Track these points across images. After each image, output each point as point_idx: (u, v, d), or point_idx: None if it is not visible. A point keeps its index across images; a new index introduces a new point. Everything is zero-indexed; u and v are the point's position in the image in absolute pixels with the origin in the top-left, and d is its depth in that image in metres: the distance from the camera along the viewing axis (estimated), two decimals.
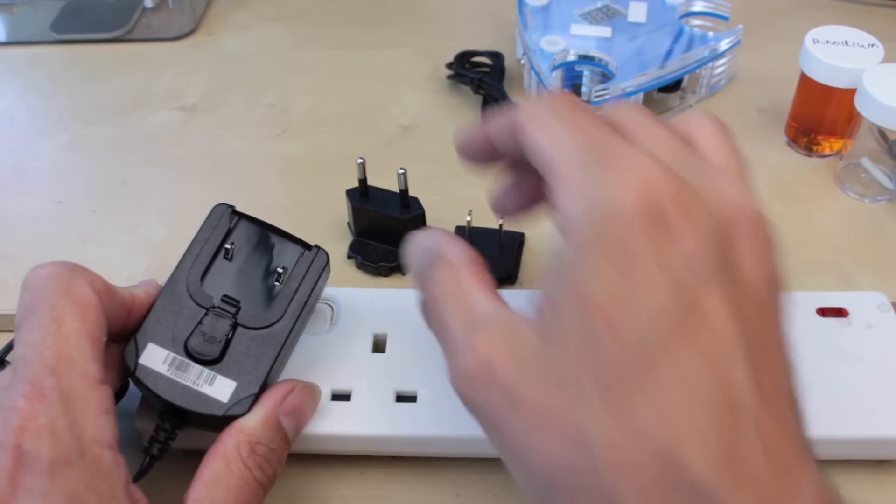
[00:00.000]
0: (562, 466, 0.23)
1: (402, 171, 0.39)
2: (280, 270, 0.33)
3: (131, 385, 0.32)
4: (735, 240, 0.24)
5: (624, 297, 0.22)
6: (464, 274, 0.27)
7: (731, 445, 0.22)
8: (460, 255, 0.27)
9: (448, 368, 0.25)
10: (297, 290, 0.33)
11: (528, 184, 0.30)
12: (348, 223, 0.44)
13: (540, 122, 0.25)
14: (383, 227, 0.42)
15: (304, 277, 0.33)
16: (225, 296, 0.32)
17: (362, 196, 0.42)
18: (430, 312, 0.27)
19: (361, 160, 0.40)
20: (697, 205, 0.23)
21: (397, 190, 0.41)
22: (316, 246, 0.34)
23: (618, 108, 0.27)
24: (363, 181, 0.41)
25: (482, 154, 0.29)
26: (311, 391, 0.33)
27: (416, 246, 0.29)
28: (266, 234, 0.34)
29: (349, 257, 0.43)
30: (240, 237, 0.33)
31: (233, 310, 0.32)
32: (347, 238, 0.44)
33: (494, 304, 0.25)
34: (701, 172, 0.24)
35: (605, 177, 0.23)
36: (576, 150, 0.24)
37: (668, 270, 0.22)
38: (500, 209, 0.31)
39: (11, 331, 0.39)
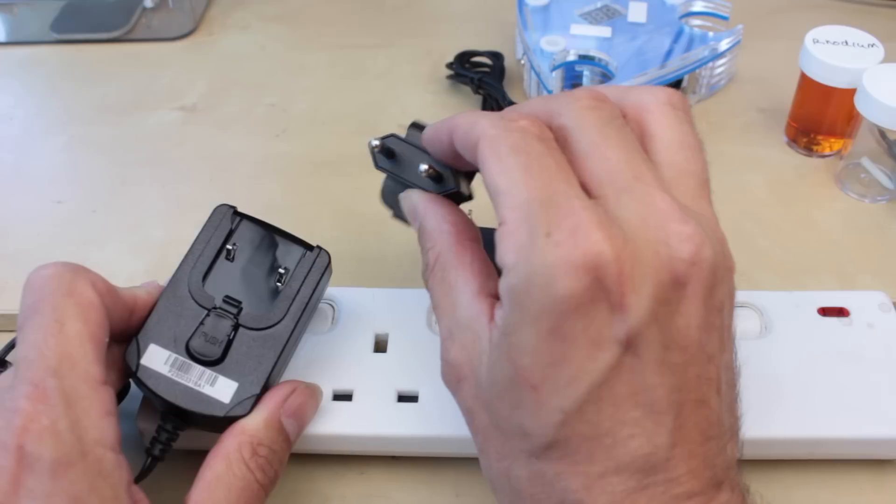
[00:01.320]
0: (497, 483, 0.27)
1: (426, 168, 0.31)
2: (282, 271, 0.33)
3: (132, 386, 0.32)
4: (678, 298, 0.24)
5: (549, 370, 0.24)
6: (448, 263, 0.28)
7: None
8: (444, 239, 0.29)
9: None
10: (298, 290, 0.33)
11: None
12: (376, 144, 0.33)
13: (497, 156, 0.25)
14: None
15: (305, 278, 0.33)
16: (226, 296, 0.32)
17: (388, 157, 0.32)
18: (432, 302, 0.29)
19: (377, 143, 0.32)
20: (640, 277, 0.23)
21: None
22: (318, 247, 0.34)
23: (571, 107, 0.26)
24: (390, 146, 0.32)
25: (448, 156, 0.29)
26: (313, 392, 0.33)
27: (410, 210, 0.31)
28: (268, 235, 0.34)
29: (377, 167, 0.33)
30: (241, 238, 0.33)
31: (234, 310, 0.32)
32: (348, 238, 0.44)
33: (471, 306, 0.27)
34: (651, 214, 0.24)
35: (549, 252, 0.23)
36: (526, 205, 0.24)
37: (598, 344, 0.23)
38: None
39: (11, 331, 0.40)
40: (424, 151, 0.31)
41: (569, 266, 0.22)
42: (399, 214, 0.33)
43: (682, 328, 0.24)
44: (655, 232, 0.23)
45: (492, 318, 0.26)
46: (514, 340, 0.24)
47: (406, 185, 0.32)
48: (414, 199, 0.31)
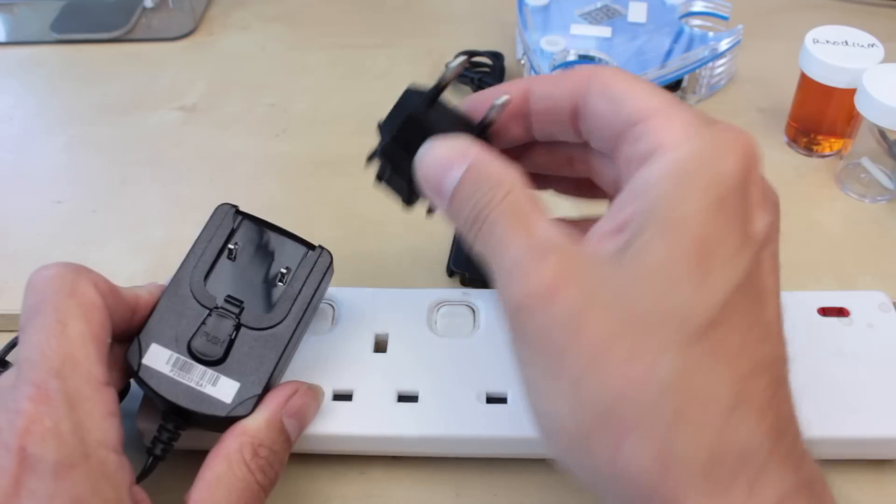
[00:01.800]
0: (625, 394, 0.22)
1: (506, 98, 0.28)
2: (283, 271, 0.33)
3: (132, 385, 0.32)
4: (776, 218, 0.26)
5: (716, 241, 0.23)
6: (522, 197, 0.25)
7: (780, 418, 0.23)
8: (515, 177, 0.26)
9: (503, 290, 0.24)
10: (300, 290, 0.33)
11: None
12: (380, 123, 0.31)
13: (626, 77, 0.26)
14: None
15: (307, 278, 0.33)
16: (228, 296, 0.32)
17: (427, 105, 0.29)
18: (481, 237, 0.25)
19: (460, 60, 0.30)
20: (769, 185, 0.26)
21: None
22: (320, 246, 0.34)
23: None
24: (440, 89, 0.29)
25: (510, 112, 0.29)
26: (315, 393, 0.32)
27: (445, 159, 0.27)
28: (270, 235, 0.34)
29: (369, 160, 0.31)
30: (243, 237, 0.33)
31: (236, 310, 0.32)
32: (348, 238, 0.44)
33: (557, 230, 0.25)
34: None
35: (717, 134, 0.24)
36: (679, 103, 0.25)
37: (749, 231, 0.24)
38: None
39: (11, 331, 0.40)
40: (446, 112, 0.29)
41: (737, 147, 0.24)
42: (392, 180, 0.30)
43: (777, 248, 0.26)
44: None
45: (579, 240, 0.24)
46: (679, 214, 0.23)
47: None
48: (461, 142, 0.27)
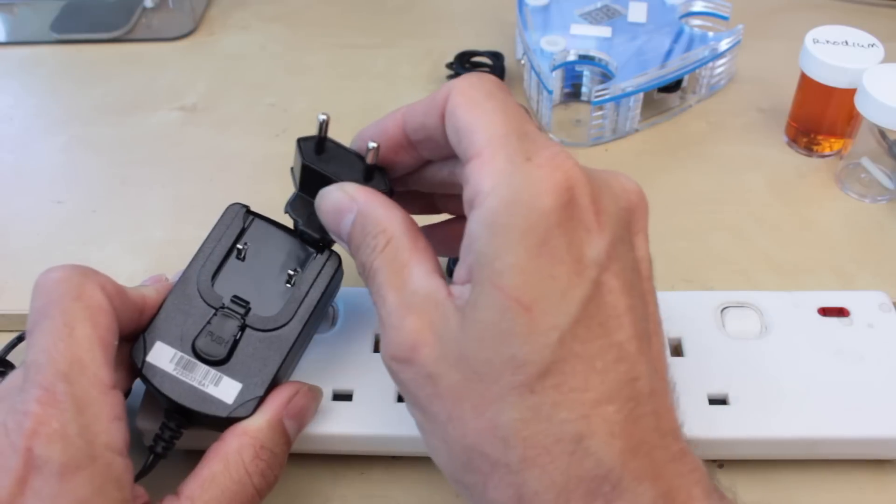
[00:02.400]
0: (477, 444, 0.24)
1: (375, 145, 0.31)
2: (291, 272, 0.32)
3: (133, 385, 0.32)
4: (633, 224, 0.26)
5: (541, 286, 0.23)
6: (402, 245, 0.27)
7: (634, 436, 0.23)
8: (398, 223, 0.28)
9: (381, 341, 0.27)
10: (307, 292, 0.32)
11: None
12: (291, 168, 0.34)
13: (472, 101, 0.26)
14: None
15: (315, 280, 0.33)
16: (235, 296, 0.32)
17: (317, 152, 0.32)
18: (369, 281, 0.28)
19: (324, 116, 0.32)
20: (609, 199, 0.25)
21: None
22: (329, 249, 0.33)
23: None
24: (322, 138, 0.32)
25: (394, 141, 0.30)
26: (315, 394, 0.32)
27: (339, 205, 0.29)
28: (280, 235, 0.33)
29: (285, 212, 0.33)
30: (253, 237, 0.33)
31: (242, 310, 0.32)
32: None
33: (428, 280, 0.26)
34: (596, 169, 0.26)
35: (532, 172, 0.24)
36: (506, 135, 0.25)
37: (581, 261, 0.24)
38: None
39: (11, 330, 0.40)
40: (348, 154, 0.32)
41: (552, 183, 0.24)
42: (309, 223, 0.32)
43: (640, 257, 0.26)
44: (609, 175, 0.26)
45: (449, 293, 0.25)
46: (500, 265, 0.23)
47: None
48: (348, 189, 0.29)
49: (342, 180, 0.30)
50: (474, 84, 0.27)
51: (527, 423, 0.23)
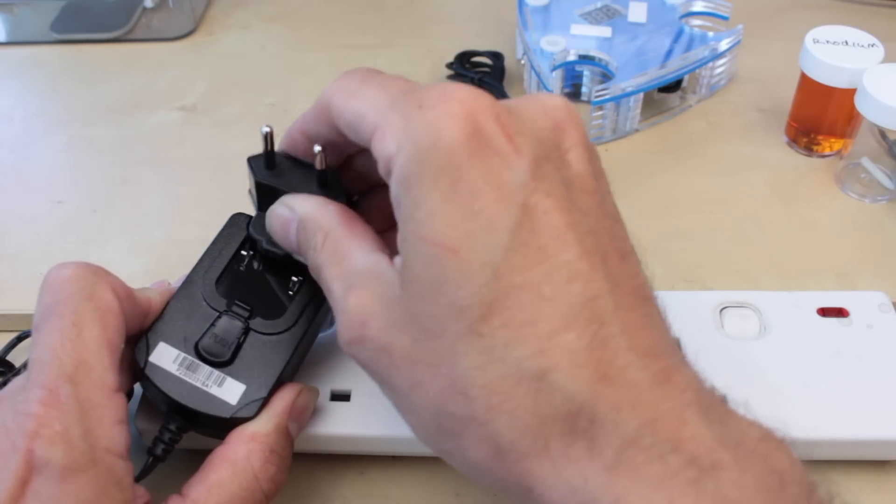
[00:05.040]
0: (442, 405, 0.23)
1: (320, 149, 0.30)
2: (295, 279, 0.32)
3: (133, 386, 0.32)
4: (563, 142, 0.24)
5: (463, 225, 0.22)
6: (339, 236, 0.27)
7: (603, 361, 0.22)
8: (332, 218, 0.28)
9: (337, 330, 0.26)
10: (311, 298, 0.32)
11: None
12: (249, 191, 0.33)
13: (349, 92, 0.26)
14: None
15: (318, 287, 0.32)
16: (239, 300, 0.32)
17: (268, 167, 0.32)
18: (319, 280, 0.27)
19: (268, 129, 0.31)
20: (520, 120, 0.23)
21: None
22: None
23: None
24: (270, 153, 0.32)
25: (307, 153, 0.30)
26: (314, 394, 0.32)
27: (283, 219, 0.29)
28: None
29: (248, 236, 0.33)
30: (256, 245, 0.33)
31: (246, 314, 0.32)
32: None
33: (368, 258, 0.26)
34: (510, 101, 0.25)
35: (425, 114, 0.23)
36: (390, 101, 0.25)
37: (502, 188, 0.22)
38: None
39: (11, 330, 0.40)
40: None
41: (448, 116, 0.22)
42: (272, 241, 0.31)
43: (577, 172, 0.24)
44: (524, 100, 0.25)
45: (391, 263, 0.25)
46: (420, 215, 0.22)
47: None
48: (287, 201, 0.29)
49: (298, 192, 0.30)
50: (345, 79, 0.27)
51: (483, 370, 0.22)
